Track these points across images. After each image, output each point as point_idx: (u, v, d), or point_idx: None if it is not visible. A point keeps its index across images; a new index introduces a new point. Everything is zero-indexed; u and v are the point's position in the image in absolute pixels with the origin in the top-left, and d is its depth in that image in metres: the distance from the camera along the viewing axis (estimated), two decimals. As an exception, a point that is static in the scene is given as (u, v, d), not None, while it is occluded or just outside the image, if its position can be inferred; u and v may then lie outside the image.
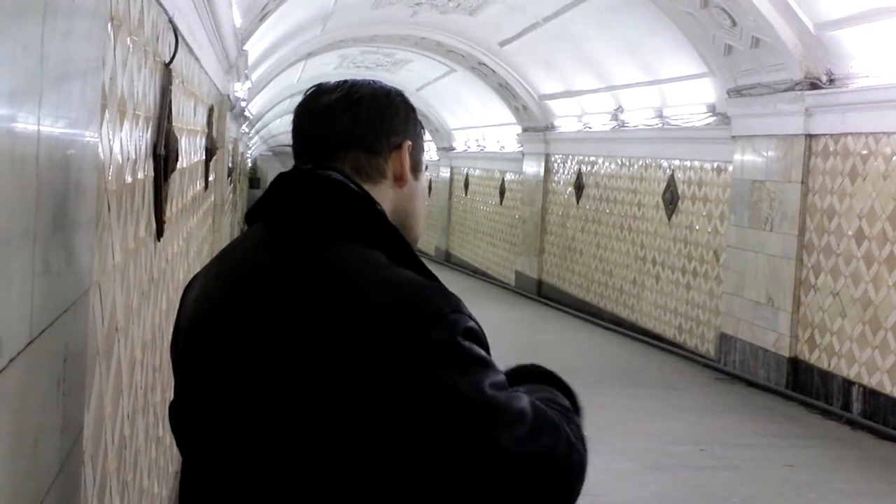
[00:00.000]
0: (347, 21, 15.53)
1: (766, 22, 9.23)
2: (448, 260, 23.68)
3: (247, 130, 19.08)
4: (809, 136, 9.47)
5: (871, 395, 8.36)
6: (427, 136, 24.99)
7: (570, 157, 16.45)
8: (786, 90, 9.55)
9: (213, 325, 1.46)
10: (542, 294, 17.37)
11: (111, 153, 2.35)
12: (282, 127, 36.79)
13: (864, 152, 8.66)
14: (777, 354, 9.79)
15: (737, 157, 10.74)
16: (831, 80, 9.13)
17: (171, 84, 3.57)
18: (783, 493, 6.47)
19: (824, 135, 9.29)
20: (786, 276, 9.69)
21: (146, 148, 3.14)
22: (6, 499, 1.19)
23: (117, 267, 2.55)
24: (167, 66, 3.58)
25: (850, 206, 8.83)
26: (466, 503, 1.33)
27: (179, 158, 3.91)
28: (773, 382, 9.78)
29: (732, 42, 10.14)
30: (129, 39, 2.64)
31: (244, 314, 1.42)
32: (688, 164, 12.24)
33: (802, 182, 9.52)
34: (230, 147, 11.32)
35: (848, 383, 8.70)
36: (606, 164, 14.85)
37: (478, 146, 22.45)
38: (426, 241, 24.90)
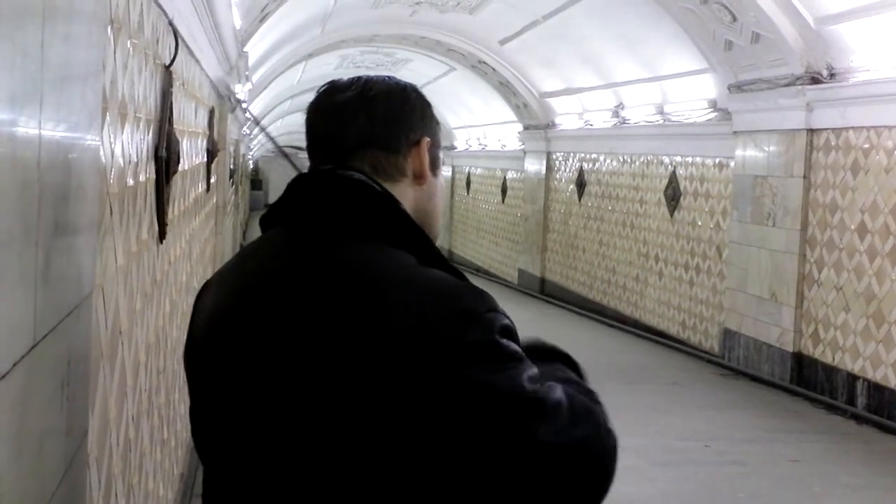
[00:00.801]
0: (347, 21, 15.53)
1: (767, 17, 9.22)
2: (451, 259, 23.63)
3: (247, 132, 19.08)
4: (811, 131, 9.46)
5: (876, 389, 8.35)
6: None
7: (572, 154, 16.44)
8: (787, 85, 9.54)
9: (238, 332, 1.42)
10: (546, 292, 17.37)
11: (112, 156, 2.35)
12: (282, 128, 36.79)
13: (866, 146, 8.65)
14: (781, 349, 9.78)
15: (738, 152, 10.73)
16: (832, 75, 9.12)
17: (171, 86, 3.57)
18: (789, 488, 6.47)
19: (826, 129, 9.28)
20: (789, 271, 9.68)
21: (147, 150, 3.15)
22: (12, 502, 1.19)
23: (120, 270, 2.55)
24: (168, 68, 3.58)
25: (852, 200, 8.82)
26: (508, 498, 1.32)
27: (181, 161, 3.91)
28: (778, 377, 9.78)
29: (733, 37, 10.13)
30: (129, 42, 2.64)
31: (273, 319, 1.38)
32: (689, 160, 12.23)
33: (804, 177, 9.51)
34: (231, 149, 11.32)
35: (852, 378, 8.69)
36: (608, 161, 14.84)
37: (479, 145, 22.45)
38: (429, 240, 24.84)
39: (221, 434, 1.45)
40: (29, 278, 1.24)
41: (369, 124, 1.52)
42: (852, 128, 8.84)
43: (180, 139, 3.94)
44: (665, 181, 12.83)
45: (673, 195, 12.59)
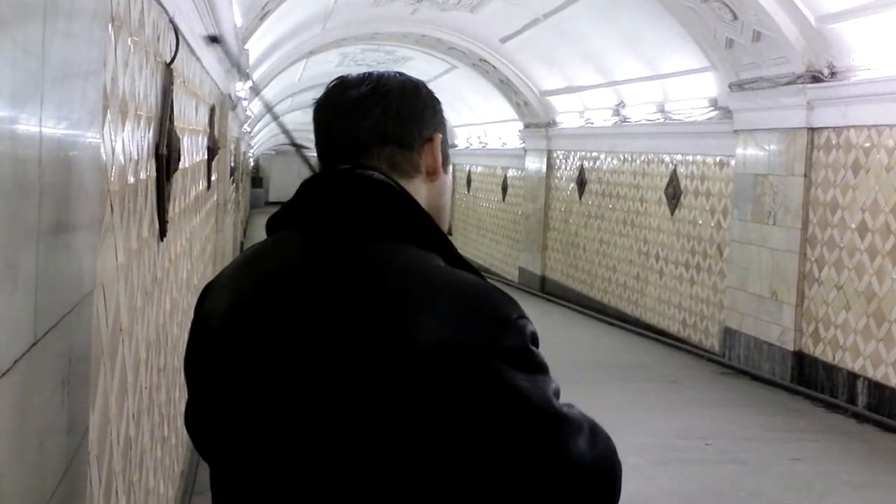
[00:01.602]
0: (348, 19, 15.53)
1: (768, 15, 9.22)
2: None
3: (248, 130, 19.08)
4: (812, 130, 9.46)
5: (876, 387, 8.35)
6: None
7: (573, 152, 16.44)
8: (787, 84, 9.54)
9: (262, 332, 1.39)
10: (546, 290, 17.38)
11: (113, 154, 2.35)
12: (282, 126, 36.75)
13: (867, 145, 8.65)
14: (781, 348, 9.78)
15: (739, 151, 10.73)
16: (833, 73, 9.12)
17: (172, 84, 3.57)
18: (789, 487, 6.47)
19: (826, 128, 9.28)
20: (789, 269, 9.68)
21: (148, 148, 3.15)
22: (13, 499, 1.19)
23: (121, 267, 2.55)
24: (168, 66, 3.58)
25: (853, 199, 8.82)
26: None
27: (181, 158, 3.91)
28: (778, 376, 9.78)
29: (734, 36, 10.13)
30: (129, 40, 2.64)
31: (301, 320, 1.36)
32: (690, 158, 12.23)
33: (805, 175, 9.51)
34: (232, 146, 11.33)
35: (853, 376, 8.69)
36: (609, 159, 14.84)
37: (480, 143, 22.45)
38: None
39: (239, 432, 1.41)
40: (30, 276, 1.24)
41: (384, 120, 1.50)
42: (853, 126, 8.84)
43: (181, 137, 3.94)
44: (666, 180, 12.83)
45: (674, 194, 12.59)
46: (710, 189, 11.69)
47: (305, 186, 1.50)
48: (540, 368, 1.33)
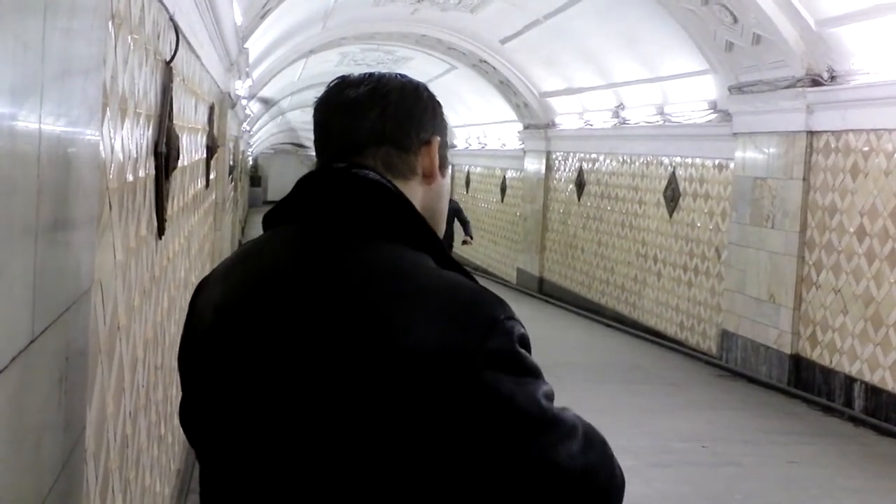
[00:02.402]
0: (348, 18, 15.54)
1: (768, 18, 9.23)
2: (449, 257, 23.66)
3: (247, 129, 19.09)
4: (811, 133, 9.46)
5: (873, 391, 8.36)
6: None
7: (572, 154, 16.45)
8: (787, 87, 9.55)
9: (253, 327, 1.39)
10: (544, 291, 17.38)
11: (112, 151, 2.35)
12: (282, 125, 36.80)
13: (866, 149, 8.66)
14: (779, 351, 9.79)
15: (738, 154, 10.74)
16: (833, 77, 9.13)
17: (171, 82, 3.57)
18: (785, 490, 6.47)
19: (826, 132, 9.28)
20: (787, 272, 9.69)
21: (147, 146, 3.14)
22: (9, 497, 1.19)
23: (119, 265, 2.55)
24: (168, 64, 3.58)
25: (851, 202, 8.83)
26: None
27: (180, 156, 3.91)
28: (775, 379, 9.79)
29: (734, 39, 10.14)
30: (129, 37, 2.64)
31: (292, 316, 1.36)
32: (689, 161, 12.24)
33: (804, 179, 9.51)
34: (231, 145, 11.32)
35: (850, 380, 8.70)
36: (608, 161, 14.85)
37: (479, 143, 22.46)
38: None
39: (227, 430, 1.42)
40: (27, 273, 1.24)
41: (382, 121, 1.50)
42: (852, 130, 8.85)
43: (180, 135, 3.94)
44: (664, 182, 12.84)
45: (672, 196, 12.60)
46: (708, 192, 11.70)
47: (301, 184, 1.50)
48: (528, 371, 1.32)
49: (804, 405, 9.05)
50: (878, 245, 8.39)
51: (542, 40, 14.93)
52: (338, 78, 1.59)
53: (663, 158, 12.91)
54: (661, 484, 6.49)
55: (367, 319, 1.31)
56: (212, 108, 7.22)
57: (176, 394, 4.52)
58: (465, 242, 13.92)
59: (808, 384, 9.34)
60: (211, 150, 7.00)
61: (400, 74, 1.58)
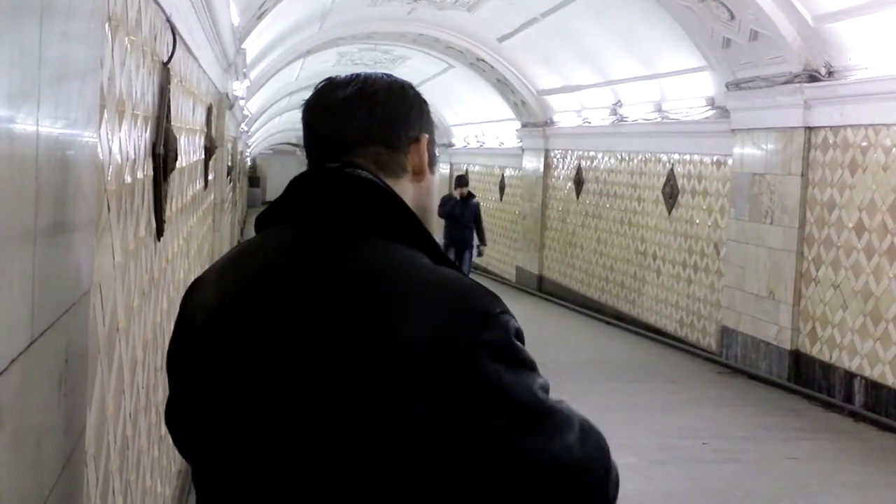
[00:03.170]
0: (345, 18, 15.53)
1: (765, 15, 9.23)
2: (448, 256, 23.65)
3: (245, 129, 19.07)
4: (809, 129, 9.47)
5: (873, 387, 8.37)
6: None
7: (570, 152, 16.44)
8: (785, 83, 9.55)
9: (249, 327, 1.39)
10: (543, 289, 17.38)
11: (110, 153, 2.35)
12: (280, 125, 36.77)
13: (864, 144, 8.66)
14: (779, 347, 9.79)
15: (736, 150, 10.74)
16: (830, 73, 9.13)
17: (169, 83, 3.57)
18: (786, 486, 6.47)
19: (823, 127, 9.29)
20: (786, 268, 9.69)
21: (145, 147, 3.14)
22: (9, 499, 1.19)
23: (118, 267, 2.55)
24: (165, 65, 3.58)
25: (850, 198, 8.83)
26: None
27: (179, 158, 3.90)
28: (775, 375, 9.79)
29: (731, 35, 10.14)
30: (126, 39, 2.64)
31: (288, 315, 1.36)
32: (687, 157, 12.24)
33: (802, 175, 9.52)
34: (229, 146, 11.32)
35: (850, 375, 8.70)
36: (606, 158, 14.85)
37: (477, 142, 22.45)
38: (427, 237, 24.84)
39: (222, 429, 1.42)
40: (27, 275, 1.24)
41: (370, 120, 1.52)
42: (850, 126, 8.85)
43: (178, 136, 3.94)
44: (663, 179, 12.84)
45: (671, 193, 12.60)
46: (707, 188, 11.70)
47: (294, 184, 1.52)
48: (524, 364, 1.33)
49: (804, 401, 9.05)
50: (877, 240, 8.40)
51: (539, 38, 14.93)
52: (325, 79, 1.60)
53: (661, 155, 12.91)
54: (661, 481, 6.49)
55: (362, 316, 1.32)
56: (210, 109, 7.22)
57: (176, 395, 4.52)
58: (480, 250, 13.91)
59: (808, 380, 9.35)
60: (209, 150, 7.00)
61: (385, 74, 1.60)
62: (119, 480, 2.64)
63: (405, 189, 1.54)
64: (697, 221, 11.92)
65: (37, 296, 1.30)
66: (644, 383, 9.74)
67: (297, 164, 48.00)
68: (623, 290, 14.11)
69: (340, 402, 1.30)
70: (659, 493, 6.27)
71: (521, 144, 18.74)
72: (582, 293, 15.60)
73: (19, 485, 1.25)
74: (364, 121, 1.52)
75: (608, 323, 13.88)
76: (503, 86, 17.84)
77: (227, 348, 1.42)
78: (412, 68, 20.79)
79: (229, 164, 11.81)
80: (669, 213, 12.64)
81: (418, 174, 1.56)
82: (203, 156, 6.66)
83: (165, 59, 3.62)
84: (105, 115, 2.21)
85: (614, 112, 14.33)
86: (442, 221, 13.20)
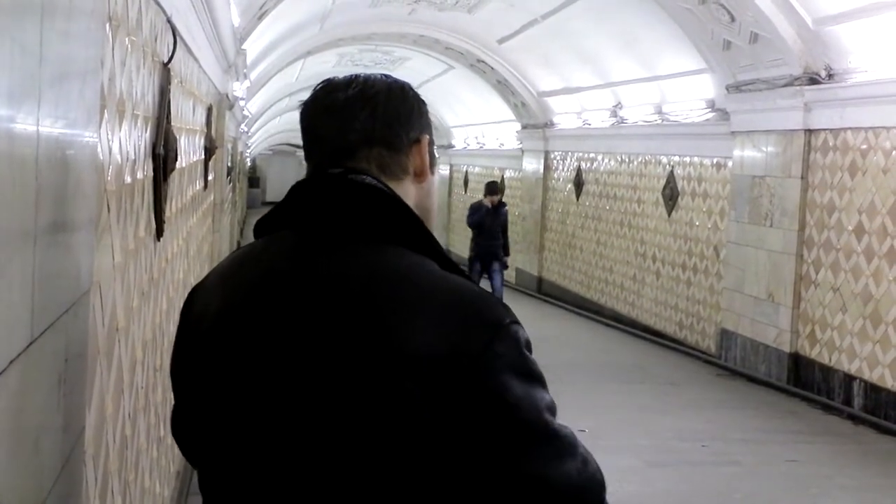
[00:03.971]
0: (345, 19, 15.53)
1: (765, 17, 9.23)
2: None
3: (245, 130, 19.07)
4: (809, 132, 9.47)
5: (873, 389, 8.36)
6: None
7: (570, 153, 16.45)
8: (785, 85, 9.55)
9: (255, 335, 1.38)
10: (543, 291, 17.38)
11: (110, 153, 2.35)
12: (280, 126, 36.77)
13: (864, 147, 8.66)
14: (778, 350, 9.79)
15: (736, 152, 10.74)
16: (830, 75, 9.13)
17: (169, 84, 3.57)
18: (785, 489, 6.47)
19: (823, 130, 9.29)
20: (786, 271, 9.69)
21: (145, 148, 3.14)
22: (8, 499, 1.19)
23: (117, 267, 2.55)
24: (166, 65, 3.57)
25: (849, 200, 8.83)
26: None
27: (178, 158, 3.90)
28: (775, 378, 9.79)
29: (731, 37, 10.14)
30: (127, 39, 2.64)
31: (293, 323, 1.35)
32: (687, 160, 12.24)
33: (802, 177, 9.52)
34: (229, 146, 11.32)
35: (849, 378, 8.70)
36: (606, 160, 14.85)
37: (477, 143, 22.46)
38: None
39: (230, 436, 1.40)
40: (26, 275, 1.24)
41: (372, 122, 1.51)
42: (850, 128, 8.85)
43: (178, 136, 3.94)
44: (663, 181, 12.84)
45: (671, 195, 12.60)
46: (707, 190, 11.70)
47: (296, 190, 1.50)
48: (535, 377, 1.32)
49: (803, 404, 9.05)
50: (877, 243, 8.40)
51: (539, 40, 14.93)
52: (323, 81, 1.59)
53: (661, 157, 12.91)
54: (660, 483, 6.49)
55: (370, 324, 1.31)
56: (210, 110, 7.21)
57: (175, 395, 4.52)
58: (503, 262, 12.64)
59: (808, 383, 9.35)
60: (209, 151, 7.00)
61: (384, 75, 1.59)
62: (118, 480, 2.63)
63: (407, 191, 1.52)
64: (697, 224, 11.92)
65: (36, 296, 1.30)
66: (643, 385, 9.74)
67: (297, 165, 48.05)
68: (622, 291, 14.11)
69: (347, 409, 1.30)
70: (657, 495, 6.27)
71: (520, 146, 18.74)
72: (581, 295, 15.60)
73: (18, 485, 1.25)
74: (366, 123, 1.50)
75: (607, 325, 13.88)
76: (503, 87, 17.84)
77: (233, 355, 1.41)
78: (412, 69, 20.79)
79: (229, 164, 11.81)
80: (669, 215, 12.64)
81: (419, 175, 1.55)
82: (203, 156, 6.65)
83: (166, 60, 3.61)
84: (105, 115, 2.21)
85: (614, 114, 14.33)
86: (469, 232, 12.64)
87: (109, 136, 2.32)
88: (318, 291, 1.36)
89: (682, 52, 11.49)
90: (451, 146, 24.31)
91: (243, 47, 9.32)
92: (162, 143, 3.35)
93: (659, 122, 12.94)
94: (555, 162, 17.19)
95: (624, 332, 13.25)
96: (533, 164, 18.04)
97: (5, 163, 1.12)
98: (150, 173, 3.28)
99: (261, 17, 9.56)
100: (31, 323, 1.27)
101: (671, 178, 12.61)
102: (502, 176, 20.43)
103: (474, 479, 1.28)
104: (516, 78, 17.13)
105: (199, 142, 6.32)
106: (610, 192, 14.67)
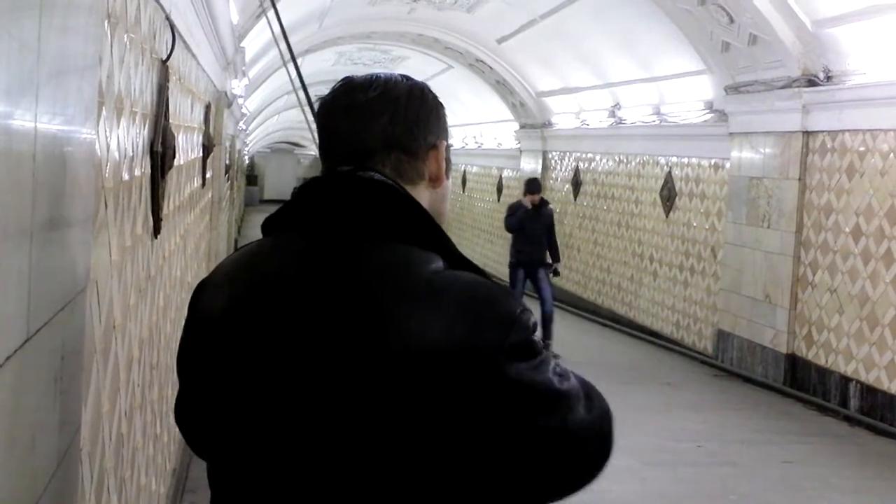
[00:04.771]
0: (344, 18, 15.52)
1: (764, 19, 9.24)
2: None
3: (243, 128, 19.06)
4: (807, 133, 9.48)
5: (869, 391, 8.37)
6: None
7: (568, 154, 16.45)
8: (783, 87, 9.55)
9: (267, 334, 1.38)
10: (540, 291, 17.37)
11: (108, 150, 2.34)
12: (279, 124, 36.76)
13: (862, 149, 8.67)
14: (774, 351, 9.80)
15: (734, 153, 10.75)
16: (829, 77, 9.14)
17: (168, 81, 3.57)
18: (780, 490, 6.48)
19: (821, 132, 9.29)
20: (783, 272, 9.70)
21: (143, 145, 3.14)
22: (3, 497, 1.18)
23: (114, 264, 2.55)
24: (164, 63, 3.57)
25: (847, 202, 8.84)
26: (539, 481, 1.37)
27: (176, 155, 3.90)
28: (771, 379, 9.80)
29: (730, 39, 10.15)
30: (126, 36, 2.64)
31: (305, 321, 1.36)
32: (685, 160, 12.25)
33: (800, 179, 9.53)
34: (227, 144, 11.31)
35: (845, 380, 8.71)
36: (604, 161, 14.85)
37: (475, 143, 22.45)
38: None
39: (242, 431, 1.41)
40: (23, 272, 1.24)
41: (392, 126, 1.50)
42: (848, 130, 8.86)
43: (176, 134, 3.93)
44: (661, 182, 12.84)
45: (668, 196, 12.61)
46: (704, 191, 11.71)
47: (306, 188, 1.49)
48: (538, 352, 1.38)
49: (800, 405, 9.06)
50: (874, 245, 8.41)
51: (538, 40, 14.93)
52: (343, 80, 1.57)
53: (659, 158, 12.92)
54: (655, 483, 6.49)
55: (383, 320, 1.32)
56: (208, 107, 7.21)
57: (171, 393, 4.52)
58: (554, 271, 11.29)
59: (804, 384, 9.36)
60: (207, 148, 6.99)
61: (405, 76, 1.58)
62: (114, 478, 2.63)
63: (421, 195, 1.52)
64: (695, 224, 11.93)
65: (33, 293, 1.29)
66: (639, 386, 9.74)
67: (295, 163, 48.01)
68: (620, 292, 14.11)
69: (362, 405, 1.30)
70: (653, 496, 6.27)
71: (519, 146, 18.74)
72: (578, 295, 15.60)
73: (14, 482, 1.24)
74: (385, 127, 1.50)
75: (604, 325, 13.89)
76: (502, 87, 17.84)
77: (243, 352, 1.41)
78: (411, 68, 20.78)
79: (227, 162, 11.81)
80: (667, 215, 12.65)
81: (435, 181, 1.55)
82: (201, 154, 6.65)
83: (164, 57, 3.61)
84: (103, 111, 2.21)
85: (613, 114, 14.33)
86: (508, 236, 11.49)
87: (107, 133, 2.32)
88: (327, 289, 1.36)
89: (681, 53, 11.50)
90: (449, 146, 24.27)
91: (242, 45, 9.32)
92: (160, 140, 3.35)
93: (657, 122, 12.94)
94: (553, 162, 17.19)
95: (621, 333, 13.26)
96: (531, 164, 18.03)
97: (2, 159, 1.11)
98: (148, 170, 3.27)
99: (259, 15, 9.55)
100: (28, 320, 1.27)
101: (669, 179, 12.62)
102: (500, 176, 20.44)
103: (502, 455, 1.32)
104: (515, 78, 17.12)
105: (198, 139, 6.32)
106: (608, 192, 14.67)
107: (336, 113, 1.53)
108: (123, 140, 2.65)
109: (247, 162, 36.20)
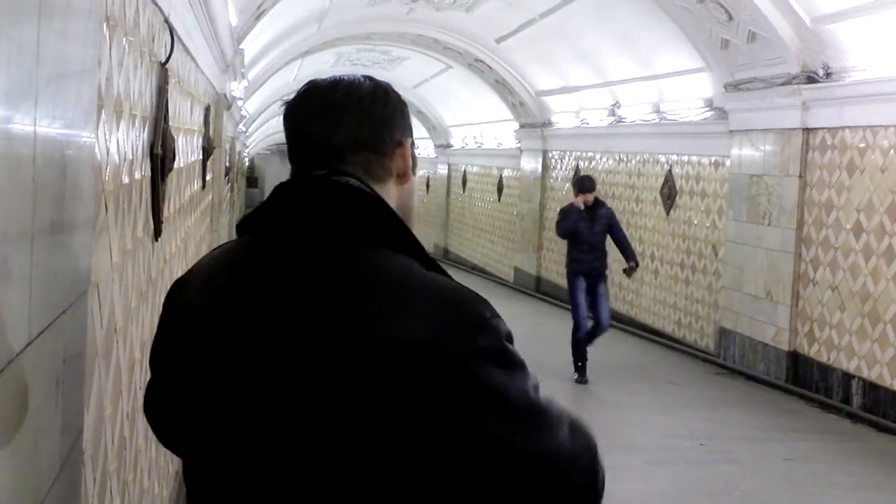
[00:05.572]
0: (343, 19, 15.52)
1: (763, 16, 9.23)
2: (446, 257, 23.68)
3: (243, 130, 19.06)
4: (807, 130, 9.47)
5: (871, 388, 8.37)
6: (425, 134, 25.04)
7: (568, 153, 16.44)
8: (783, 84, 9.55)
9: (243, 333, 1.41)
10: (541, 290, 17.37)
11: (108, 153, 2.34)
12: (278, 126, 36.75)
13: (862, 146, 8.66)
14: (776, 348, 9.79)
15: (734, 151, 10.74)
16: (828, 74, 9.13)
17: (167, 84, 3.57)
18: (783, 487, 6.48)
19: (821, 128, 9.29)
20: (784, 270, 9.69)
21: (143, 148, 3.14)
22: (7, 500, 1.18)
23: (115, 267, 2.55)
24: (163, 65, 3.57)
25: (847, 199, 8.83)
26: (504, 500, 1.34)
27: (176, 158, 3.90)
28: (773, 376, 9.79)
29: (729, 36, 10.14)
30: (124, 39, 2.64)
31: (280, 322, 1.38)
32: (685, 158, 12.24)
33: (800, 176, 9.52)
34: (227, 146, 11.31)
35: (847, 376, 8.70)
36: (604, 159, 14.85)
37: (475, 143, 22.45)
38: (425, 238, 24.88)
39: (215, 430, 1.44)
40: (24, 276, 1.24)
41: (358, 126, 1.53)
42: (848, 127, 8.85)
43: (176, 136, 3.93)
44: (661, 180, 12.84)
45: (669, 194, 12.60)
46: (705, 189, 11.70)
47: (280, 191, 1.52)
48: (516, 364, 1.37)
49: (802, 402, 9.05)
50: (875, 241, 8.40)
51: (537, 39, 14.93)
52: (308, 83, 1.60)
53: (660, 156, 12.91)
54: (659, 482, 6.49)
55: (356, 319, 1.34)
56: (207, 110, 7.21)
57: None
58: (628, 271, 9.90)
59: (806, 381, 9.35)
60: (207, 151, 6.99)
61: (367, 77, 1.61)
62: (116, 481, 2.63)
63: (389, 192, 1.56)
64: (695, 222, 11.92)
65: (34, 296, 1.29)
66: (641, 384, 9.74)
67: (295, 165, 47.74)
68: (621, 290, 14.10)
69: (333, 403, 1.32)
70: (656, 494, 6.27)
71: (519, 145, 18.73)
72: (580, 294, 15.57)
73: (17, 485, 1.24)
74: (352, 128, 1.53)
75: (606, 324, 13.86)
76: (501, 86, 17.84)
77: (224, 346, 1.43)
78: (410, 69, 20.80)
79: (227, 164, 11.80)
80: (667, 213, 12.64)
81: (402, 177, 1.59)
82: (201, 156, 6.65)
83: (163, 60, 3.61)
84: (103, 115, 2.21)
85: (612, 113, 14.33)
86: (563, 242, 10.17)
87: (107, 136, 2.32)
88: (306, 289, 1.39)
89: (681, 50, 11.49)
90: (449, 146, 24.30)
91: (241, 47, 9.32)
92: (160, 143, 3.35)
93: (657, 120, 12.93)
94: (553, 161, 17.19)
95: (622, 331, 13.24)
96: (531, 164, 18.03)
97: (2, 163, 1.11)
98: (148, 173, 3.27)
99: (258, 17, 9.56)
100: (29, 324, 1.27)
101: (669, 177, 12.61)
102: (500, 175, 20.43)
103: (468, 463, 1.31)
104: (514, 77, 17.12)
105: (197, 142, 6.31)
106: (608, 191, 14.65)
107: (304, 116, 1.57)
108: (123, 143, 2.65)
109: (247, 164, 36.19)
